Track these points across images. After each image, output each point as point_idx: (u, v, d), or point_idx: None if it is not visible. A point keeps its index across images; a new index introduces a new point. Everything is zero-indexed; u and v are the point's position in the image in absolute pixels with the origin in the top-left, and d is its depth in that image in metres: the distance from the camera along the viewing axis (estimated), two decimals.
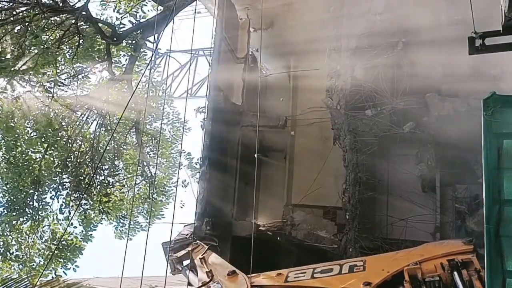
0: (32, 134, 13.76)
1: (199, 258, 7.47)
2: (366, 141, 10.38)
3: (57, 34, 12.45)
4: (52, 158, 13.97)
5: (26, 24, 11.57)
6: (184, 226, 10.16)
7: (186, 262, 8.39)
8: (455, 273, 4.83)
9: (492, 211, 3.08)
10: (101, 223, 14.48)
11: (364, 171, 10.38)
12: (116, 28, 12.74)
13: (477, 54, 3.59)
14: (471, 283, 4.62)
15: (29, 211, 13.50)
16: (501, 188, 3.11)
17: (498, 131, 3.16)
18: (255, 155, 8.96)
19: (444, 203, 10.24)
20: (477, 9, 3.79)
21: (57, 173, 13.82)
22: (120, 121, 13.25)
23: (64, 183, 13.92)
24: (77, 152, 14.09)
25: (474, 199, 9.38)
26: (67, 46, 13.16)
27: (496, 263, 3.03)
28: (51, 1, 11.86)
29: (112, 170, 14.83)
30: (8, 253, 13.42)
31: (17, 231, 13.61)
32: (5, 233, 13.46)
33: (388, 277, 5.21)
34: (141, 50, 13.90)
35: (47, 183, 13.76)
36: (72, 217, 13.36)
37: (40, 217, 13.65)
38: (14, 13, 11.85)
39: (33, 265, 13.52)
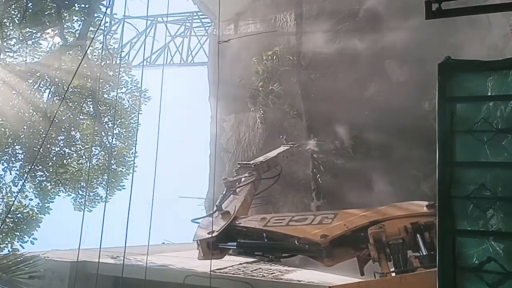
0: None
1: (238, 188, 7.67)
2: None
3: None
4: (2, 129, 13.31)
5: None
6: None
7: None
8: (418, 235, 4.98)
9: (445, 173, 3.15)
10: (59, 195, 14.08)
11: None
12: None
13: (434, 19, 3.57)
14: (432, 244, 4.77)
15: None
16: (453, 150, 3.17)
17: (452, 95, 3.20)
18: None
19: None
20: None
21: (9, 144, 13.20)
22: (71, 88, 12.65)
23: (17, 154, 13.35)
24: (29, 122, 13.45)
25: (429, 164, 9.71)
26: (15, 10, 12.34)
27: (447, 223, 3.13)
28: None
29: (68, 140, 14.31)
30: None
31: None
32: None
33: (347, 232, 5.43)
34: (95, 15, 13.22)
35: None
36: (21, 188, 12.86)
37: None
38: None
39: None
